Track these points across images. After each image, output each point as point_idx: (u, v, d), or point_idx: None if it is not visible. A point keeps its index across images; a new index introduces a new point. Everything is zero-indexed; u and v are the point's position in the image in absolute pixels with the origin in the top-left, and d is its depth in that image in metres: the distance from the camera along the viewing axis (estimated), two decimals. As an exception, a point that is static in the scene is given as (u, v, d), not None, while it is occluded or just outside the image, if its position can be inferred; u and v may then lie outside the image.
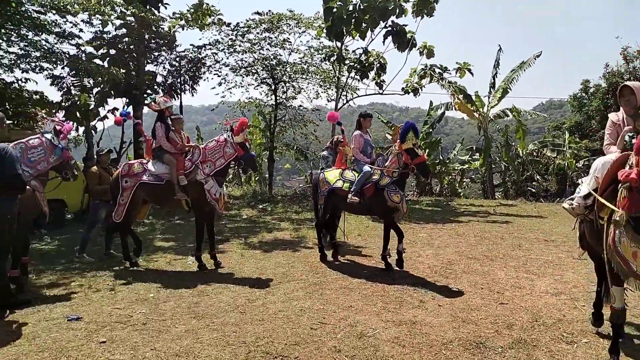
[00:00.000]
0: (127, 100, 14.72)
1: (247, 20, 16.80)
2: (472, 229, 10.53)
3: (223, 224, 11.16)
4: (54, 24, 12.56)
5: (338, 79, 17.73)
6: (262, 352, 4.00)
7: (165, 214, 11.94)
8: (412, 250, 7.95)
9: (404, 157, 6.40)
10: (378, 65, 17.46)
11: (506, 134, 20.99)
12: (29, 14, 11.88)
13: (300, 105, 19.82)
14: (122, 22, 13.46)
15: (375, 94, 18.39)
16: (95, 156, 8.57)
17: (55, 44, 13.05)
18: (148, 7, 13.72)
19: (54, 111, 13.80)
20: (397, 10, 15.19)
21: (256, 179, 21.40)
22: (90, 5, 11.08)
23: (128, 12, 12.62)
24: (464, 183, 22.68)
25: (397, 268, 6.69)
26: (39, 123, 14.52)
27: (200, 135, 22.51)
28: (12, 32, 11.93)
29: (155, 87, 15.56)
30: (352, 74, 17.93)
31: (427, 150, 18.20)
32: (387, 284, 6.01)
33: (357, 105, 19.91)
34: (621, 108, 4.22)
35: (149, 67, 15.70)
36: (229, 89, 18.44)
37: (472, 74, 17.78)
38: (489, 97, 20.32)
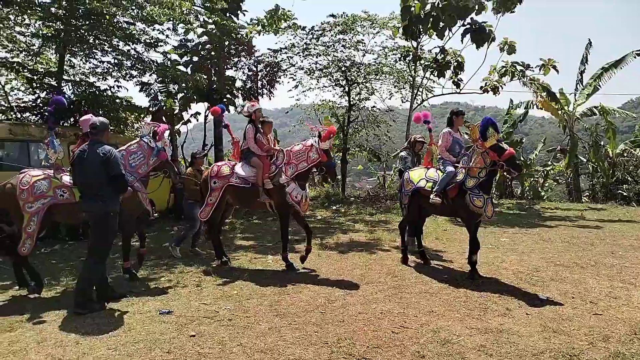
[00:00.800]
0: (208, 105, 15.39)
1: (322, 24, 17.03)
2: (559, 234, 9.95)
3: (296, 223, 11.31)
4: (142, 32, 13.41)
5: (413, 79, 17.46)
6: (345, 354, 4.01)
7: (244, 213, 12.33)
8: (495, 256, 7.65)
9: (490, 154, 6.07)
10: (455, 63, 16.97)
11: (595, 133, 19.58)
12: (120, 25, 12.77)
13: (374, 106, 19.79)
14: (204, 30, 14.12)
15: (452, 93, 17.90)
16: (191, 158, 9.04)
17: (143, 52, 13.93)
18: (228, 14, 14.27)
19: (142, 116, 14.79)
20: (477, 7, 14.69)
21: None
22: (176, 15, 11.69)
23: (210, 21, 13.18)
24: (547, 185, 21.46)
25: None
26: (135, 127, 15.64)
27: (277, 137, 23.03)
28: (105, 43, 12.88)
29: (234, 91, 16.14)
30: (428, 74, 17.58)
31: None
32: (470, 290, 5.81)
33: (430, 105, 19.57)
34: None
35: (229, 73, 16.34)
36: (303, 91, 18.81)
37: (557, 70, 16.79)
38: (575, 95, 19.11)
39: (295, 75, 18.32)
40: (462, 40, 15.76)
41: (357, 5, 24.54)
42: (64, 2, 11.36)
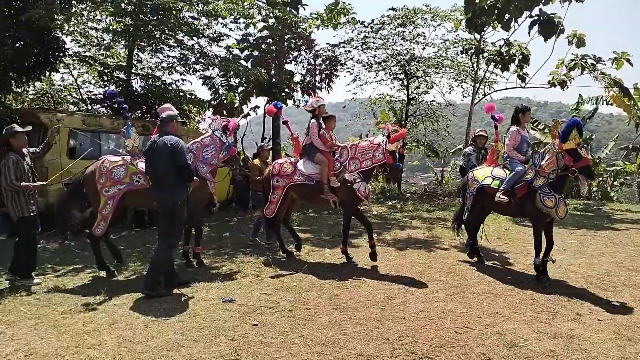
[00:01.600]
0: (267, 99, 15.61)
1: (382, 17, 16.85)
2: (631, 237, 9.37)
3: (353, 218, 11.29)
4: (205, 26, 13.76)
5: (475, 73, 16.94)
6: (407, 351, 3.95)
7: (300, 206, 12.42)
8: (562, 258, 7.29)
9: (565, 158, 5.75)
10: (520, 56, 16.30)
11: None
12: (186, 20, 13.16)
13: (433, 100, 19.38)
14: (264, 24, 14.31)
15: (516, 87, 17.22)
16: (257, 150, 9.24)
17: (205, 46, 14.29)
18: (288, 9, 14.39)
19: (203, 109, 15.22)
20: (545, -2, 14.03)
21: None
22: (239, 10, 11.91)
23: (271, 15, 13.32)
24: (617, 186, 20.22)
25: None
26: (196, 120, 16.16)
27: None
28: (170, 38, 13.31)
29: (292, 86, 16.27)
30: (491, 67, 17.00)
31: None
32: (536, 292, 5.59)
33: (490, 100, 18.94)
34: None
35: (288, 67, 16.49)
36: (360, 85, 18.72)
37: (631, 64, 15.78)
38: (651, 90, 17.86)
39: (352, 69, 18.29)
40: (529, 33, 15.09)
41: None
42: (133, -2, 11.84)
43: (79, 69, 14.97)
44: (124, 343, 4.07)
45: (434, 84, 18.83)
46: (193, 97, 13.99)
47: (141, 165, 6.06)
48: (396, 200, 15.22)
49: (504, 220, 10.62)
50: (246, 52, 15.35)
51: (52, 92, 15.41)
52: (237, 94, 15.32)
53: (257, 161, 8.43)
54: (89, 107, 13.93)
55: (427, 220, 11.40)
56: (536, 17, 14.85)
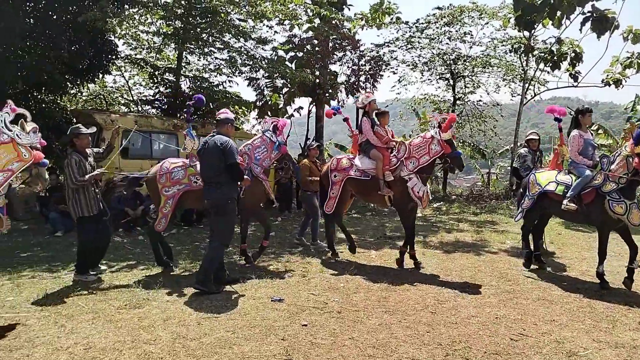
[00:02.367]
0: (311, 100, 15.68)
1: (427, 16, 16.63)
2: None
3: (397, 220, 11.17)
4: (252, 28, 13.97)
5: (525, 72, 16.44)
6: (461, 357, 3.86)
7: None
8: (620, 264, 6.93)
9: (636, 161, 5.44)
10: (572, 54, 15.68)
11: None
12: (233, 22, 13.39)
13: (479, 100, 18.95)
14: (309, 25, 14.38)
15: (568, 86, 16.58)
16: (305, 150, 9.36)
17: (252, 49, 14.50)
18: (334, 9, 14.41)
19: (248, 110, 15.45)
20: (599, -7, 13.43)
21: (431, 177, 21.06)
22: (287, 11, 12.03)
23: (317, 15, 13.38)
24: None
25: (625, 288, 5.79)
26: (241, 121, 16.42)
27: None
28: (218, 40, 13.58)
29: (336, 86, 16.28)
30: (541, 66, 16.44)
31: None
32: (594, 299, 5.37)
33: (537, 101, 18.29)
34: None
35: (332, 67, 16.52)
36: (404, 85, 18.54)
37: (693, 61, 14.91)
38: None
39: (396, 69, 18.13)
40: (580, 30, 14.48)
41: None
42: (183, 1, 12.14)
43: (130, 71, 15.53)
44: (178, 339, 4.15)
45: (481, 84, 18.44)
46: (239, 98, 14.23)
47: (199, 167, 6.23)
48: (442, 202, 14.96)
49: (556, 223, 10.26)
50: (291, 54, 15.48)
51: (104, 94, 16.04)
52: (281, 95, 15.45)
53: (306, 161, 8.48)
54: (139, 109, 14.40)
55: (474, 223, 11.15)
56: (589, 13, 14.24)
